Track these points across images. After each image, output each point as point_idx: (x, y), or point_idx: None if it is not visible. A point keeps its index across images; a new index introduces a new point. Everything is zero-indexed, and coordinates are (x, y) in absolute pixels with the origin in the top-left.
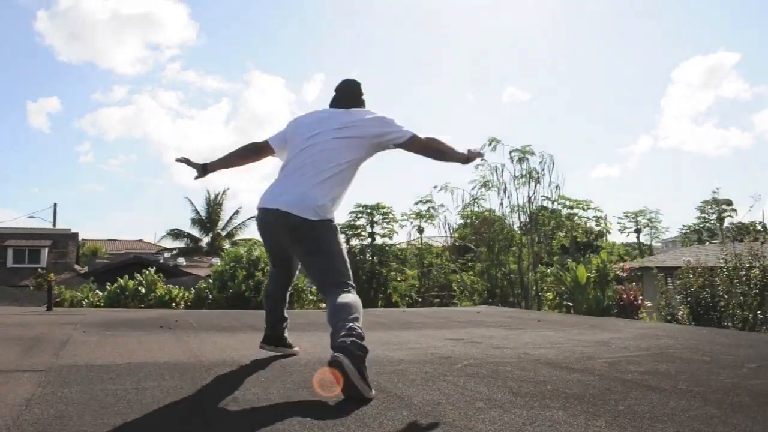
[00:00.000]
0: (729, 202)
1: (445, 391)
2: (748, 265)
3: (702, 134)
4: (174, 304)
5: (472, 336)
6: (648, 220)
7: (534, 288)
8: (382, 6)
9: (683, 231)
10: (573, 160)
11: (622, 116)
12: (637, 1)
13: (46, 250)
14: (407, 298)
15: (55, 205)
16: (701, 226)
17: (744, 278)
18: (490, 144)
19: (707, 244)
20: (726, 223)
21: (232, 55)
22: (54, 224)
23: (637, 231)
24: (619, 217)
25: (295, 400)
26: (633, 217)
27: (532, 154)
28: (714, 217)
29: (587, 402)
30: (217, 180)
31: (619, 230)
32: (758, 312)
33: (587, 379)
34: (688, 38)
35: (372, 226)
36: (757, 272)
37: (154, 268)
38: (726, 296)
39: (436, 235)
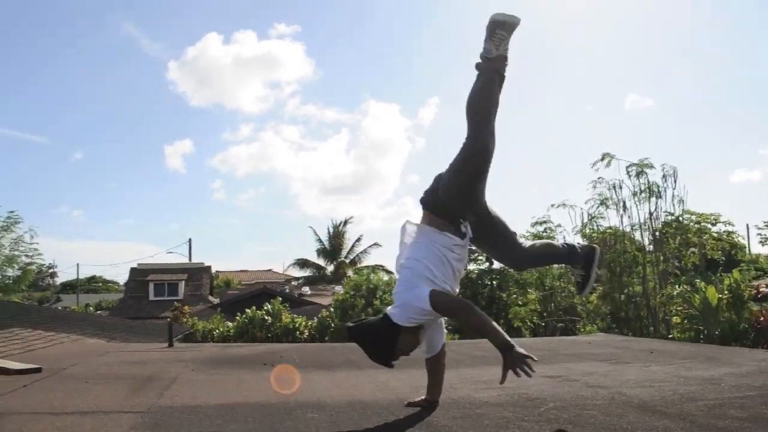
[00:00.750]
0: None
1: None
2: None
3: None
4: (298, 333)
5: (570, 372)
6: None
7: (662, 311)
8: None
9: None
10: (706, 166)
11: (760, 115)
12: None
13: (183, 283)
14: (529, 324)
15: (189, 240)
16: None
17: None
18: (602, 159)
19: None
20: None
21: (347, 87)
22: (189, 258)
23: None
24: (759, 227)
25: None
26: None
27: (651, 167)
28: None
29: None
30: (339, 208)
31: (760, 242)
32: None
33: (676, 426)
34: None
35: None
36: None
37: (280, 298)
38: None
39: None
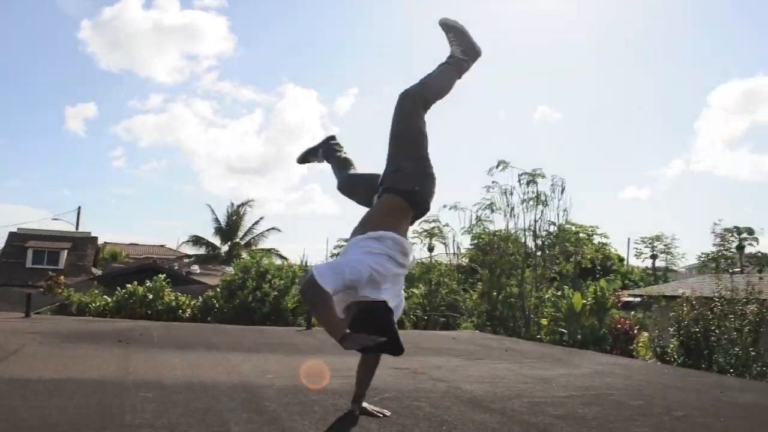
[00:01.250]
0: (750, 231)
1: (333, 427)
2: (744, 299)
3: (736, 159)
4: (180, 311)
5: (422, 365)
6: (665, 245)
7: (534, 313)
8: (415, 23)
9: (701, 259)
10: (602, 181)
11: (654, 138)
12: (675, 23)
13: (65, 252)
14: (412, 317)
15: (79, 208)
16: (719, 254)
17: (739, 313)
18: (498, 166)
19: (727, 274)
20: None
21: (267, 68)
22: (77, 227)
23: (653, 257)
24: (636, 242)
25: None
26: (649, 243)
27: (543, 177)
28: (734, 245)
29: None
30: (244, 188)
31: (635, 256)
32: (751, 349)
33: (491, 420)
34: (725, 62)
35: None
36: (754, 308)
37: (164, 275)
38: (717, 331)
39: (444, 254)
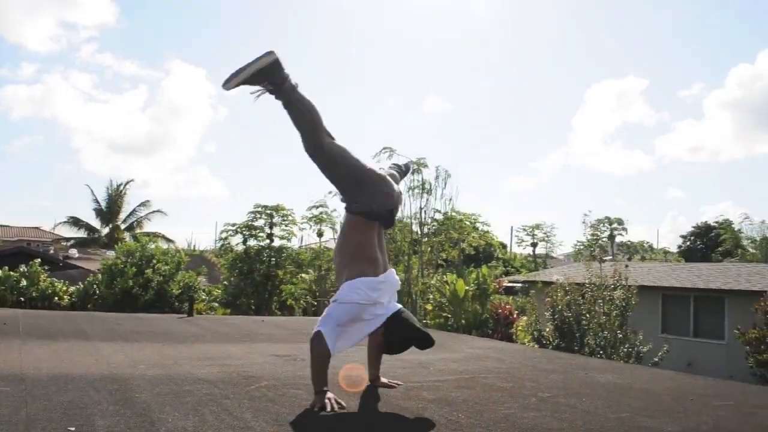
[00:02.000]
0: (620, 221)
1: (204, 418)
2: (612, 285)
3: (609, 154)
4: (57, 298)
5: (302, 352)
6: (545, 234)
7: (420, 299)
8: (305, 5)
9: (576, 247)
10: (488, 171)
11: (536, 132)
12: (557, 23)
13: None
14: (303, 303)
15: None
16: (594, 242)
17: (608, 298)
18: (383, 152)
19: (602, 262)
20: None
21: (153, 42)
22: None
23: (533, 245)
24: (517, 231)
25: None
26: (530, 231)
27: (426, 166)
28: (606, 234)
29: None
30: (126, 168)
31: (517, 243)
32: (618, 332)
33: (366, 406)
34: (601, 62)
35: (271, 228)
36: (620, 293)
37: (39, 260)
38: (588, 315)
39: (332, 239)
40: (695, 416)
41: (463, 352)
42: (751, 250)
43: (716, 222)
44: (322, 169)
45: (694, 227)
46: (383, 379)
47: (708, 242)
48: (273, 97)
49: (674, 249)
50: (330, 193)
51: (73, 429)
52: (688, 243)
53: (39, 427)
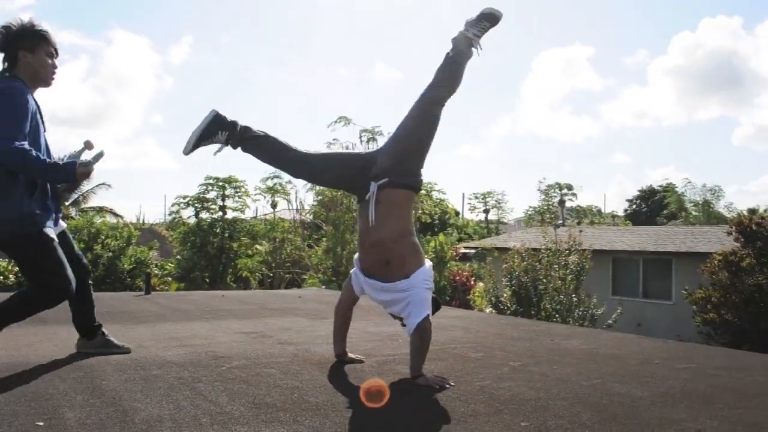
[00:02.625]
0: (570, 186)
1: (179, 404)
2: (567, 250)
3: (557, 120)
4: (2, 278)
5: (268, 328)
6: (496, 201)
7: None
8: None
9: (528, 212)
10: (441, 138)
11: (484, 99)
12: None
13: None
14: (258, 275)
15: None
16: (545, 208)
17: (563, 263)
18: (338, 122)
19: (551, 227)
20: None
21: (92, 10)
22: None
23: (486, 211)
24: (469, 198)
25: None
26: (482, 198)
27: (382, 134)
28: (556, 199)
29: (305, 412)
30: (69, 141)
31: (469, 210)
32: (573, 296)
33: (341, 383)
34: (548, 30)
35: (223, 200)
36: (575, 258)
37: None
38: (545, 280)
39: (288, 210)
40: (663, 381)
41: None
42: (693, 212)
43: (660, 186)
44: (426, 119)
45: (639, 191)
46: (351, 355)
47: (652, 205)
48: (233, 147)
49: (621, 213)
50: None
51: (41, 424)
52: (633, 207)
53: (4, 423)
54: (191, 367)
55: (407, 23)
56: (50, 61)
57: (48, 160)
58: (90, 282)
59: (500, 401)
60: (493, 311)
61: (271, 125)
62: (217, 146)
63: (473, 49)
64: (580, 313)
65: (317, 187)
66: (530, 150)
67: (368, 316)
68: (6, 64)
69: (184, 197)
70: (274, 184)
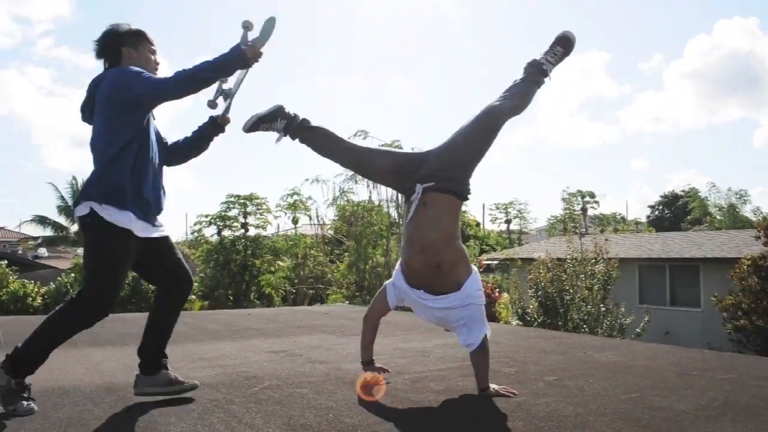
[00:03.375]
0: (592, 194)
1: (214, 427)
2: (593, 259)
3: (575, 128)
4: (30, 300)
5: (297, 346)
6: (518, 210)
7: None
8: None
9: (550, 221)
10: None
11: None
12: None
13: None
14: (281, 291)
15: None
16: (566, 216)
17: (589, 273)
18: (356, 135)
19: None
20: (590, 214)
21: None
22: None
23: (507, 222)
24: (490, 208)
25: None
26: (503, 208)
27: (401, 148)
28: (579, 208)
29: None
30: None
31: (490, 220)
32: (601, 305)
33: (380, 403)
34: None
35: (245, 217)
36: (602, 267)
37: (6, 261)
38: (571, 290)
39: (309, 225)
40: (704, 393)
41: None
42: (719, 217)
43: (683, 191)
44: (489, 130)
45: (661, 197)
46: (377, 363)
47: (676, 211)
48: (291, 138)
49: (643, 219)
50: (307, 180)
51: None
52: (656, 213)
53: None
54: (223, 388)
55: (420, 35)
56: (153, 57)
57: (200, 63)
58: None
59: (539, 418)
60: (520, 323)
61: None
62: (276, 134)
63: (544, 77)
64: (609, 323)
65: (338, 202)
66: (550, 158)
67: (396, 332)
68: (109, 62)
69: (206, 215)
70: (295, 201)
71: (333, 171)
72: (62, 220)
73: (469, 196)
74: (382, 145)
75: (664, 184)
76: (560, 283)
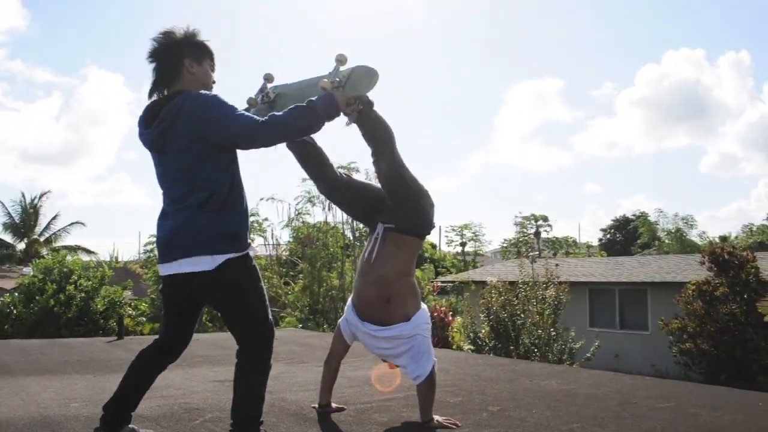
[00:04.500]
0: (545, 218)
1: None
2: (544, 284)
3: (530, 152)
4: None
5: None
6: (473, 233)
7: None
8: (229, 6)
9: (504, 245)
10: (415, 169)
11: (458, 131)
12: (478, 26)
13: None
14: None
15: None
16: (519, 240)
17: (540, 297)
18: None
19: (527, 260)
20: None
21: (66, 48)
22: None
23: (462, 244)
24: (446, 231)
25: None
26: (459, 231)
27: (357, 171)
28: (532, 231)
29: None
30: (42, 179)
31: (446, 243)
32: (551, 330)
33: None
34: (519, 63)
35: None
36: (552, 291)
37: None
38: (523, 315)
39: (263, 246)
40: (643, 422)
41: None
42: (666, 241)
43: (634, 215)
44: (402, 189)
45: (613, 220)
46: (334, 405)
47: (627, 235)
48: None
49: (595, 242)
50: (262, 199)
51: None
52: (608, 236)
53: None
54: (163, 421)
55: (379, 55)
56: (213, 75)
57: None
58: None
59: None
60: (472, 347)
61: (247, 162)
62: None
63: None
64: (559, 347)
65: (293, 224)
66: (505, 181)
67: (346, 359)
68: (164, 75)
69: None
70: (251, 222)
71: (289, 192)
72: (8, 237)
73: (429, 232)
74: (337, 168)
75: (617, 208)
76: (512, 308)
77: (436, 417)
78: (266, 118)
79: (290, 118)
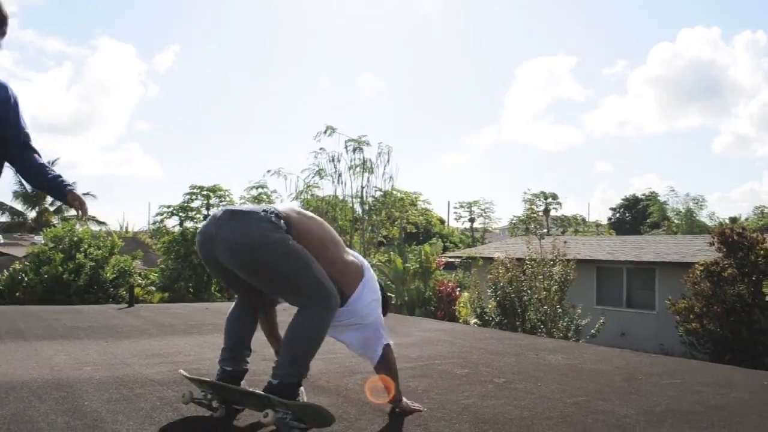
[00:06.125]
0: (555, 196)
1: (161, 426)
2: (551, 261)
3: (541, 130)
4: None
5: (253, 343)
6: (482, 210)
7: None
8: None
9: (512, 221)
10: (424, 147)
11: (469, 108)
12: (488, 2)
13: None
14: None
15: None
16: (528, 217)
17: (548, 274)
18: (325, 132)
19: (541, 238)
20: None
21: (78, 18)
22: None
23: (471, 220)
24: (455, 206)
25: None
26: (468, 207)
27: (368, 144)
28: (542, 208)
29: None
30: (54, 148)
31: (455, 218)
32: (557, 307)
33: (329, 403)
34: (532, 40)
35: (208, 209)
36: (559, 268)
37: None
38: (529, 291)
39: None
40: (647, 398)
41: (413, 336)
42: (676, 221)
43: (643, 195)
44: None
45: (622, 200)
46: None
47: (636, 214)
48: None
49: (604, 221)
50: (269, 171)
51: None
52: (617, 215)
53: None
54: (174, 386)
55: (389, 33)
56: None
57: None
58: None
59: (484, 421)
60: (478, 322)
61: (257, 133)
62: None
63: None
64: (565, 324)
65: (302, 195)
66: (515, 159)
67: None
68: None
69: (168, 206)
70: (259, 194)
71: (296, 164)
72: (18, 206)
73: None
74: (347, 141)
75: (627, 188)
76: (519, 284)
77: (404, 401)
78: None
79: None
